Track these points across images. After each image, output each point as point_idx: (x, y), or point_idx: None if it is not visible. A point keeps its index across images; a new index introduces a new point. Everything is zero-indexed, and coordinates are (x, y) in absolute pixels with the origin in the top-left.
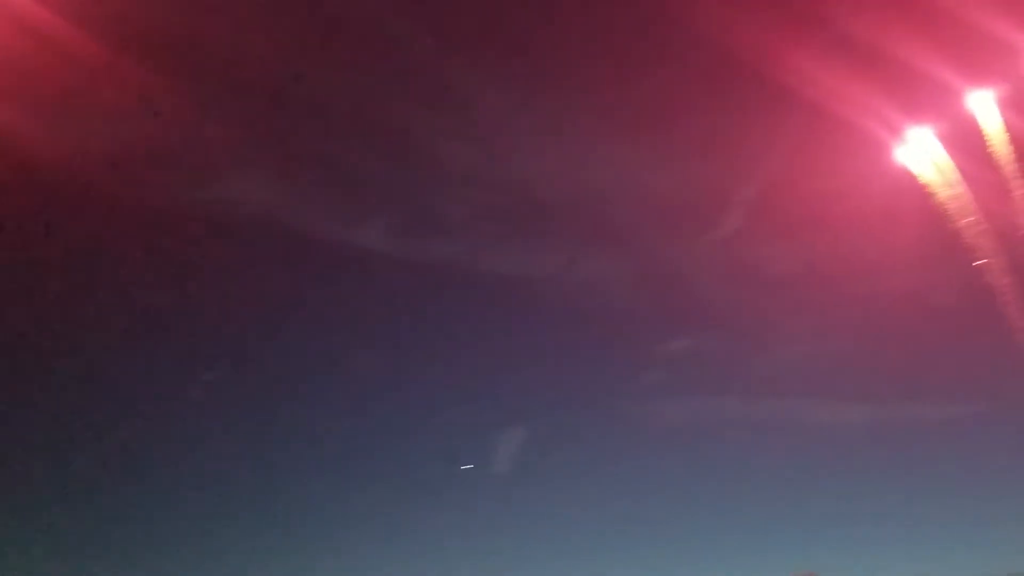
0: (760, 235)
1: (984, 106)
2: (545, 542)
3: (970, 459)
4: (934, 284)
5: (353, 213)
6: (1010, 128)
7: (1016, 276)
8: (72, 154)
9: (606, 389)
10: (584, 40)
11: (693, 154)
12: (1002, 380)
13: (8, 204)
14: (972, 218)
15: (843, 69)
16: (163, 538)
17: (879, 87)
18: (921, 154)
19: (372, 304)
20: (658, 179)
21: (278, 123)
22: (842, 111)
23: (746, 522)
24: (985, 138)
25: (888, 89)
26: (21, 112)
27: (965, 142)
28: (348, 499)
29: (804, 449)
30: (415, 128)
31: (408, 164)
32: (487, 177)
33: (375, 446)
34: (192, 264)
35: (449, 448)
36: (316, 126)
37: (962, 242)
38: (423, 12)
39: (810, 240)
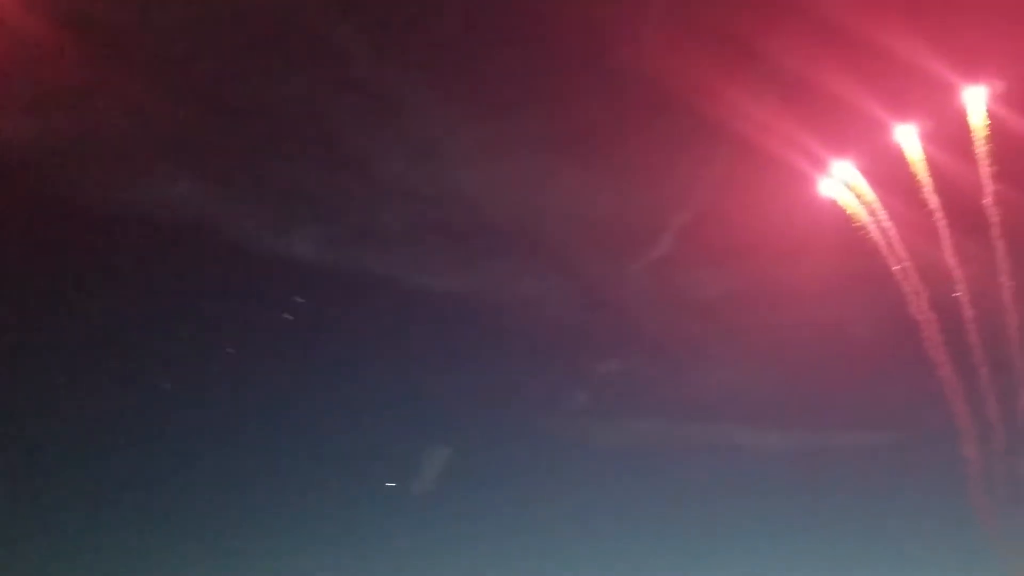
0: (691, 261)
1: (909, 140)
2: (471, 560)
3: (888, 486)
4: (856, 315)
5: (287, 222)
6: (934, 163)
7: (937, 308)
8: None
9: (537, 408)
10: (527, 61)
11: (628, 180)
12: (919, 410)
13: None
14: (895, 251)
15: (774, 102)
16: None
17: (808, 120)
18: (846, 187)
19: (303, 315)
20: (594, 203)
21: (214, 129)
22: (771, 143)
23: (667, 543)
24: (911, 172)
25: (816, 122)
26: None
27: (891, 176)
28: (263, 515)
29: (728, 472)
30: (354, 139)
31: (345, 175)
32: (425, 192)
33: (295, 461)
34: (117, 267)
35: (375, 465)
36: (253, 133)
37: (885, 274)
38: (367, 23)
39: (739, 268)
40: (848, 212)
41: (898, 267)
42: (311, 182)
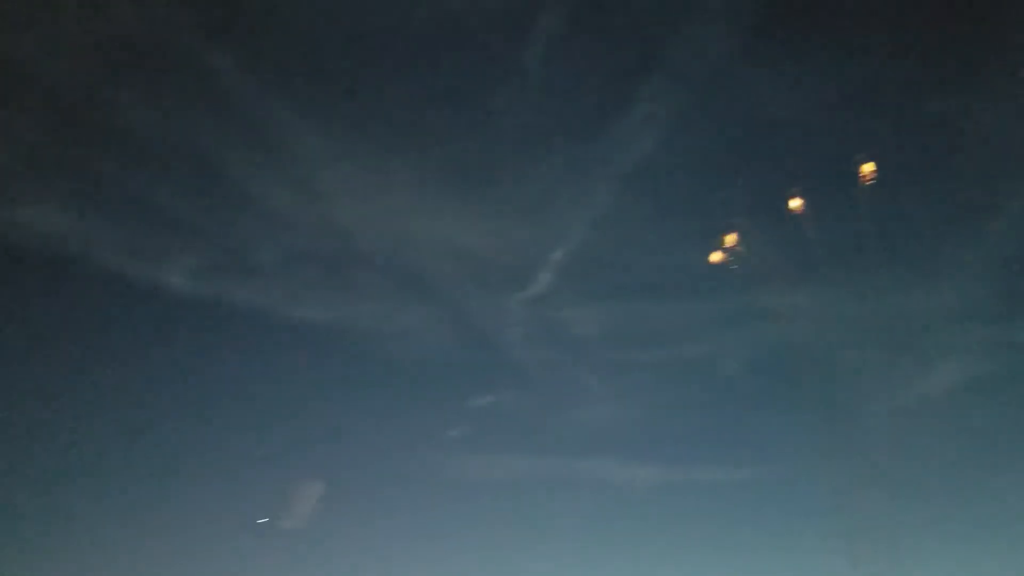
0: (566, 298)
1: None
2: None
3: (754, 520)
4: (726, 352)
5: (157, 249)
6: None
7: (801, 349)
8: None
9: (410, 442)
10: (408, 94)
11: (507, 216)
12: (786, 446)
13: None
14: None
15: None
16: None
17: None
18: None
19: (171, 347)
20: (472, 238)
21: (80, 150)
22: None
23: (546, 573)
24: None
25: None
26: None
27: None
28: (128, 555)
29: (600, 506)
30: (227, 165)
31: (219, 202)
32: (301, 221)
33: (159, 498)
34: None
35: (244, 501)
36: (124, 159)
37: (755, 311)
38: (245, 49)
39: (614, 305)
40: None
41: (769, 306)
42: (185, 211)
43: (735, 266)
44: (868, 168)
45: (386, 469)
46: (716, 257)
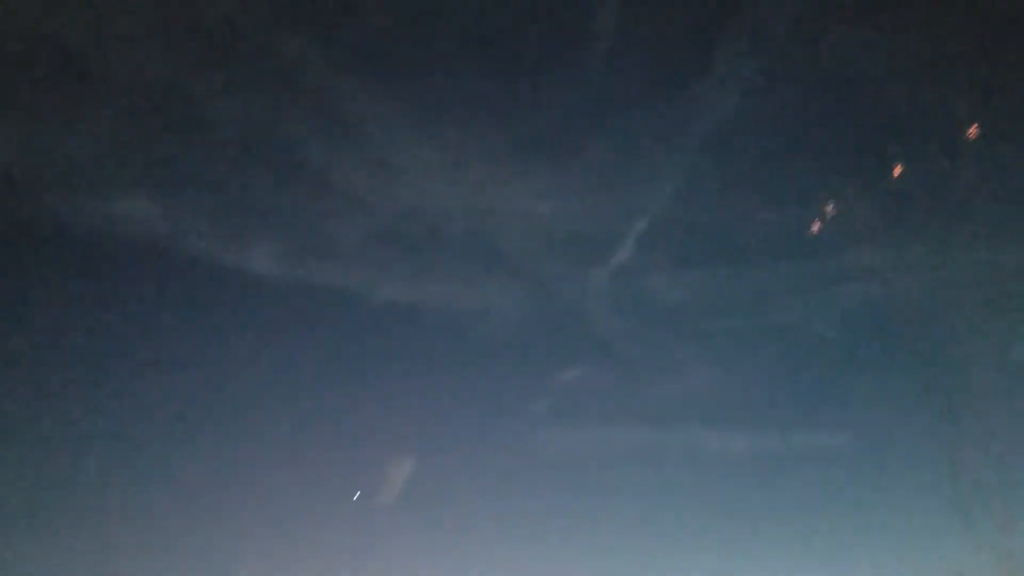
0: (651, 266)
1: None
2: (432, 571)
3: (853, 487)
4: (821, 315)
5: (239, 236)
6: None
7: (900, 310)
8: None
9: (495, 419)
10: (482, 67)
11: (588, 185)
12: (889, 410)
13: None
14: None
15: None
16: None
17: None
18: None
19: (259, 331)
20: (553, 210)
21: (162, 142)
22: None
23: (633, 551)
24: None
25: None
26: None
27: None
28: (225, 535)
29: (693, 477)
30: (305, 149)
31: (298, 187)
32: (379, 202)
33: (256, 475)
34: (71, 286)
35: (334, 479)
36: (202, 146)
37: (849, 273)
38: (322, 35)
39: (700, 272)
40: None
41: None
42: (266, 197)
43: (828, 226)
44: (969, 122)
45: (472, 446)
46: (807, 218)
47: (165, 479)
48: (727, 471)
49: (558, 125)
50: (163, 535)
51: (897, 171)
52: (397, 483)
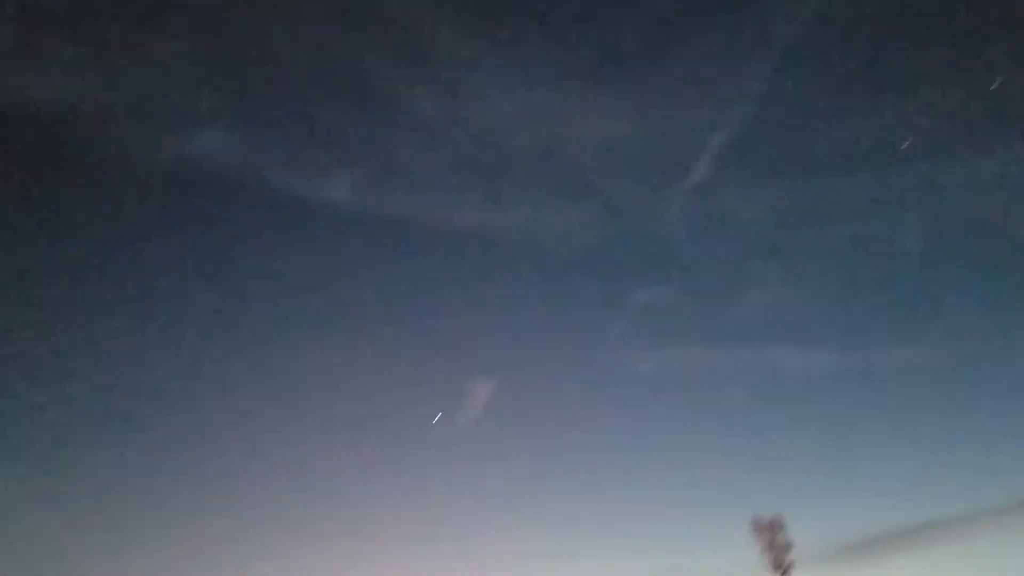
0: (730, 182)
1: None
2: (515, 493)
3: (931, 403)
4: (906, 228)
5: (319, 167)
6: None
7: (989, 222)
8: (36, 108)
9: (575, 340)
10: None
11: (663, 102)
12: (976, 323)
13: None
14: None
15: None
16: None
17: None
18: None
19: (339, 258)
20: (625, 129)
21: (242, 77)
22: None
23: (712, 468)
24: None
25: None
26: None
27: None
28: (319, 456)
29: (771, 395)
30: (381, 80)
31: (374, 116)
32: (454, 128)
33: (341, 400)
34: (158, 218)
35: (417, 399)
36: (275, 77)
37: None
38: None
39: (780, 187)
40: None
41: None
42: (340, 126)
43: (913, 137)
44: None
45: (549, 368)
46: (893, 130)
47: (258, 403)
48: (806, 389)
49: (631, 43)
50: (261, 456)
51: (992, 84)
52: (476, 405)
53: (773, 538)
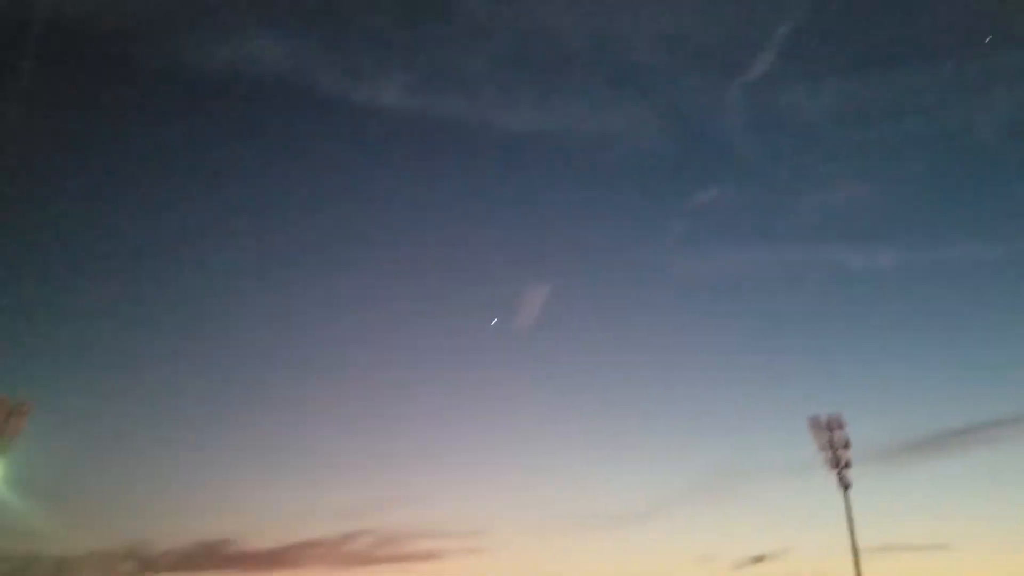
0: (793, 77)
1: None
2: (570, 393)
3: (996, 301)
4: (980, 120)
5: (369, 71)
6: None
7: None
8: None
9: (632, 243)
10: None
11: None
12: None
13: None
14: None
15: None
16: None
17: None
18: None
19: (392, 162)
20: (682, 21)
21: None
22: None
23: (771, 368)
24: None
25: None
26: None
27: None
28: (382, 360)
29: (832, 295)
30: None
31: (424, 17)
32: (506, 27)
33: (397, 303)
34: (209, 126)
35: (473, 302)
36: None
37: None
38: None
39: (846, 81)
40: None
41: None
42: (389, 29)
43: (994, 28)
44: None
45: (607, 271)
46: (971, 17)
47: (319, 308)
48: (869, 289)
49: None
50: (335, 356)
51: None
52: (533, 308)
53: (831, 436)
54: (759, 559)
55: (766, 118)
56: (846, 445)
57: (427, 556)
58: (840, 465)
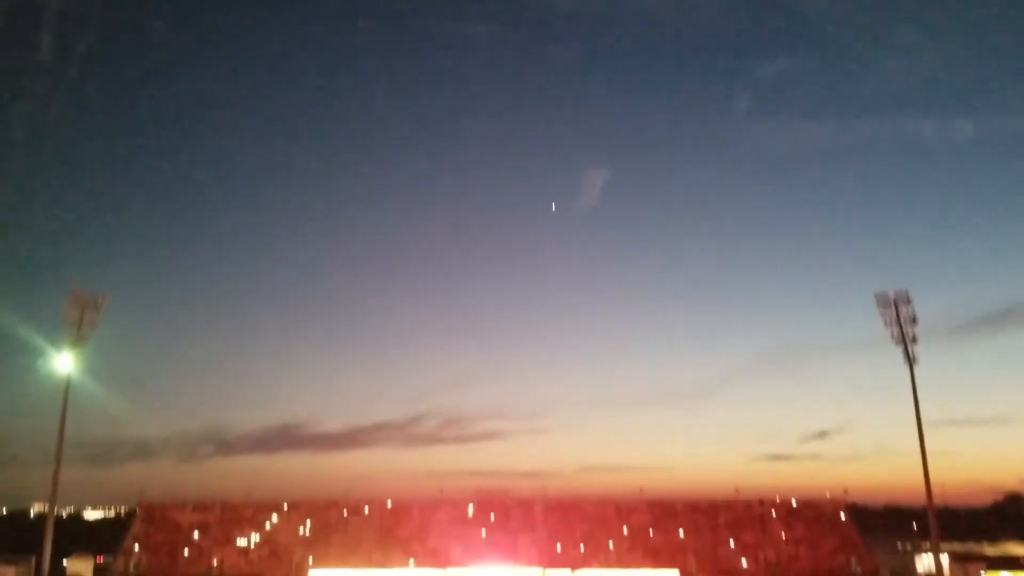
0: None
1: None
2: (631, 274)
3: None
4: None
5: None
6: None
7: None
8: None
9: (698, 117)
10: None
11: None
12: None
13: None
14: None
15: None
16: None
17: None
18: None
19: (454, 46)
20: None
21: None
22: None
23: (836, 243)
24: None
25: None
26: None
27: None
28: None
29: (903, 167)
30: None
31: None
32: None
33: (459, 190)
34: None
35: (533, 188)
36: None
37: None
38: None
39: None
40: None
41: None
42: None
43: None
44: None
45: (673, 147)
46: None
47: (383, 196)
48: (942, 161)
49: None
50: (397, 233)
51: None
52: (593, 192)
53: (898, 312)
54: (822, 434)
55: None
56: (913, 320)
57: (490, 436)
58: (906, 340)
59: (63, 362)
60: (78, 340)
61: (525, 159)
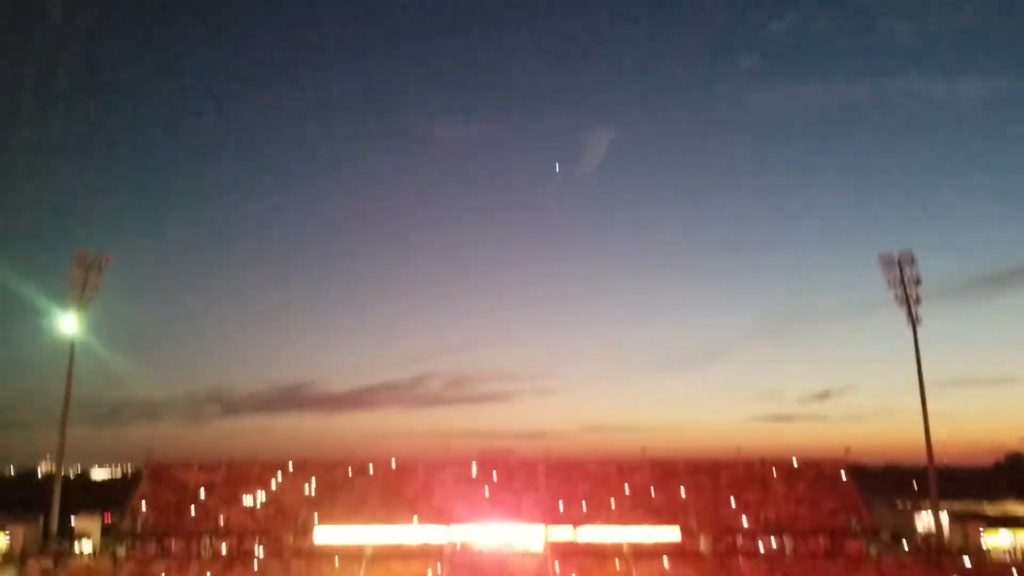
0: None
1: None
2: (635, 237)
3: None
4: None
5: None
6: None
7: None
8: None
9: (700, 77)
10: None
11: None
12: None
13: None
14: None
15: None
16: None
17: None
18: None
19: (456, 1)
20: None
21: None
22: None
23: (838, 204)
24: None
25: None
26: None
27: None
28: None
29: (910, 126)
30: None
31: None
32: None
33: (464, 152)
34: None
35: (536, 149)
36: None
37: None
38: None
39: None
40: None
41: None
42: None
43: None
44: None
45: (674, 107)
46: None
47: (389, 158)
48: (952, 121)
49: None
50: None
51: None
52: (597, 153)
53: (902, 272)
54: (823, 395)
55: None
56: (917, 281)
57: (496, 397)
58: (910, 301)
59: (68, 323)
60: (82, 301)
61: (530, 120)
